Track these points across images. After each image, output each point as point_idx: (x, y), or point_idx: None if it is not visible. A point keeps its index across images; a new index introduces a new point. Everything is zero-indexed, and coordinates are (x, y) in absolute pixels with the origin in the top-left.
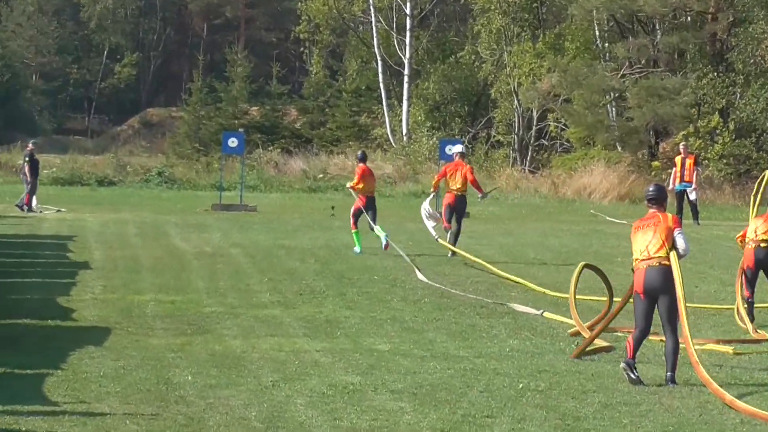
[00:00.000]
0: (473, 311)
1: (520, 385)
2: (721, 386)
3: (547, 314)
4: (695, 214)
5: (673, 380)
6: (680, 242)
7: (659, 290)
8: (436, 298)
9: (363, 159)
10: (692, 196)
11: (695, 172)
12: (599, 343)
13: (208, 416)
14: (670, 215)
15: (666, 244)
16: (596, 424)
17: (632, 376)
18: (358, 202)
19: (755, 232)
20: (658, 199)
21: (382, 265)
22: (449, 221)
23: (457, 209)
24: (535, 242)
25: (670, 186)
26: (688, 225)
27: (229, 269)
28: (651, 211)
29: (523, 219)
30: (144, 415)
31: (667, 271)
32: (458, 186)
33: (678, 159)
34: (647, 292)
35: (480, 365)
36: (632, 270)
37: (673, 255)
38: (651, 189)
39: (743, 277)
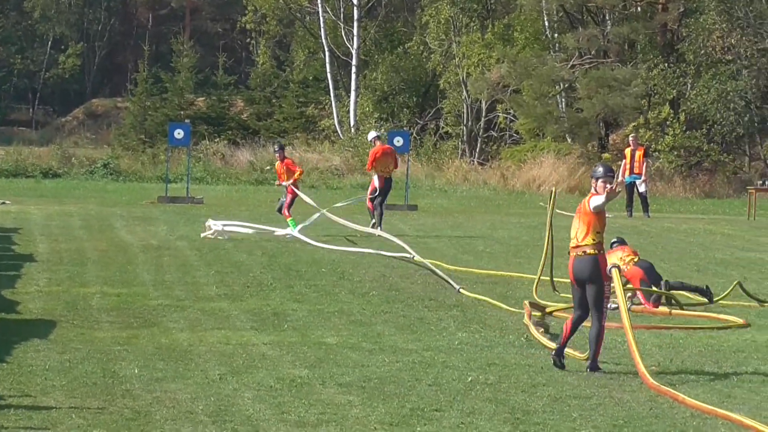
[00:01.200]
0: (421, 304)
1: (469, 379)
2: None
3: (463, 291)
4: (645, 207)
5: (593, 368)
6: (593, 205)
7: (586, 279)
8: (384, 290)
9: (284, 148)
10: (642, 189)
11: (645, 164)
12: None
13: (155, 410)
14: (588, 197)
15: (590, 230)
16: (546, 417)
17: (559, 362)
18: (291, 190)
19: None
20: (605, 178)
21: (330, 258)
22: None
23: (385, 190)
24: (485, 234)
25: (620, 178)
26: (639, 218)
27: (176, 262)
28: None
29: (472, 211)
30: (90, 408)
31: (592, 260)
32: (389, 169)
33: (627, 151)
34: (577, 281)
35: (429, 358)
36: (568, 254)
37: (615, 273)
38: (600, 168)
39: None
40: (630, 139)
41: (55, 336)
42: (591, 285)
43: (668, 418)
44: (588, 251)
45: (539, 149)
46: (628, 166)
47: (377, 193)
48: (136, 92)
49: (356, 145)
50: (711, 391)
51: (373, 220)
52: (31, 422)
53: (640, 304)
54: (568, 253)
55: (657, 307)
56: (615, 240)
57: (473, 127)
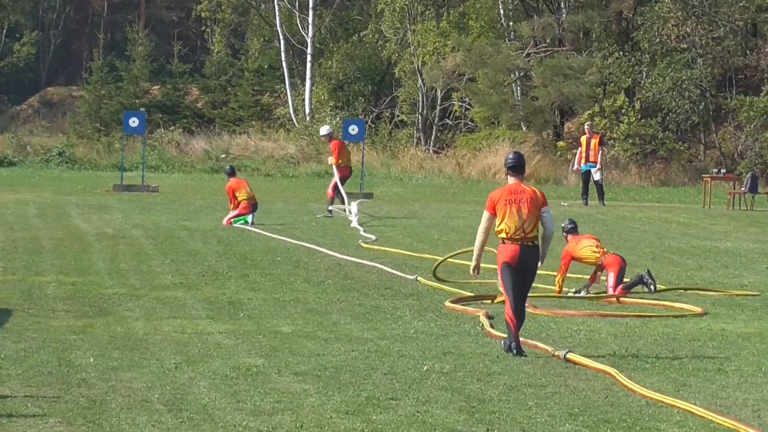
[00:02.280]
0: (377, 293)
1: (425, 367)
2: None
3: (420, 279)
4: (601, 195)
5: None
6: (547, 223)
7: (528, 270)
8: (340, 279)
9: (233, 173)
10: (597, 177)
11: (600, 153)
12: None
13: (111, 398)
14: (538, 191)
15: (537, 224)
16: (501, 406)
17: (523, 355)
18: (242, 210)
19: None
20: (519, 167)
21: (285, 246)
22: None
23: (346, 179)
24: (440, 223)
25: (575, 166)
26: (594, 206)
27: (131, 250)
28: (513, 180)
29: (427, 200)
30: (46, 397)
31: (537, 250)
32: (349, 158)
33: (583, 139)
34: (520, 267)
35: (384, 347)
36: (502, 240)
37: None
38: (511, 157)
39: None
40: (585, 127)
41: (10, 325)
42: (531, 273)
43: (623, 407)
44: (535, 242)
45: (494, 137)
46: (583, 155)
47: (340, 182)
48: (91, 80)
49: (311, 134)
50: (666, 380)
51: (343, 206)
52: None
53: (604, 292)
54: (503, 241)
55: (625, 294)
56: (571, 225)
57: (428, 115)
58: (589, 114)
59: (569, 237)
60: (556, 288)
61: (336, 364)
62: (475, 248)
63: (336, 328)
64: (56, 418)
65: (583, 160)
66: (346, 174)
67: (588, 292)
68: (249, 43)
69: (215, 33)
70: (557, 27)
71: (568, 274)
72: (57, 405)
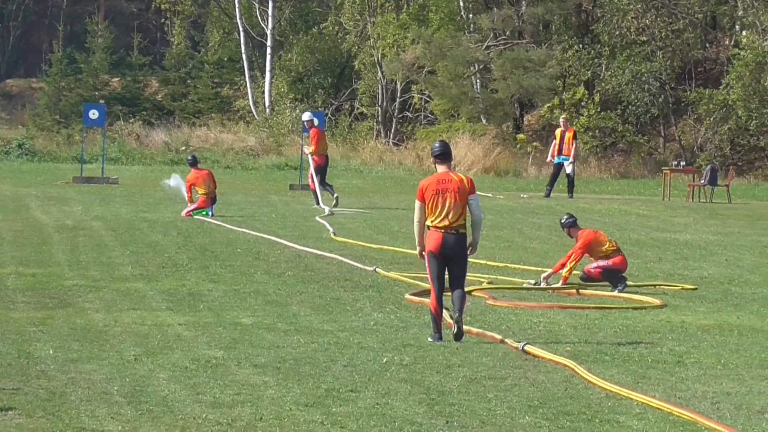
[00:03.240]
0: (337, 284)
1: (385, 359)
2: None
3: (379, 270)
4: (570, 188)
5: (460, 321)
6: (475, 210)
7: (455, 256)
8: (300, 271)
9: (195, 163)
10: (568, 170)
11: (574, 146)
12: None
13: (70, 391)
14: (465, 178)
15: (464, 213)
16: (461, 398)
17: (439, 341)
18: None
19: None
20: (446, 155)
21: (245, 238)
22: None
23: (326, 168)
24: (400, 215)
25: (549, 158)
26: (554, 198)
27: (91, 242)
28: (441, 169)
29: (387, 192)
30: (5, 389)
31: (462, 238)
32: (326, 146)
33: (558, 132)
34: (444, 255)
35: (344, 339)
36: (428, 227)
37: None
38: (437, 145)
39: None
40: (561, 120)
41: None
42: (460, 260)
43: (583, 399)
44: (461, 230)
45: (454, 130)
46: (557, 147)
47: (318, 172)
48: (50, 72)
49: (271, 126)
50: (626, 372)
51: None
52: None
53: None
54: (428, 228)
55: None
56: (571, 219)
57: (388, 107)
58: (548, 107)
59: (571, 231)
60: (565, 274)
61: (296, 356)
62: (416, 237)
63: (296, 319)
64: (15, 410)
65: (557, 153)
66: (321, 162)
67: (548, 284)
68: (209, 36)
69: (175, 25)
70: (517, 19)
71: (528, 267)
72: (16, 397)
